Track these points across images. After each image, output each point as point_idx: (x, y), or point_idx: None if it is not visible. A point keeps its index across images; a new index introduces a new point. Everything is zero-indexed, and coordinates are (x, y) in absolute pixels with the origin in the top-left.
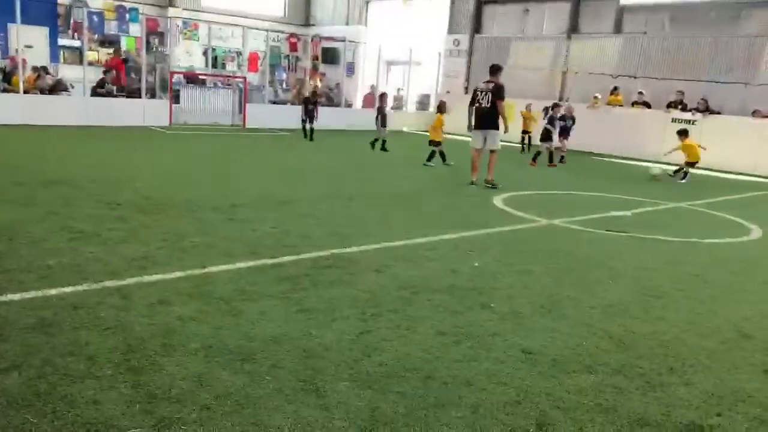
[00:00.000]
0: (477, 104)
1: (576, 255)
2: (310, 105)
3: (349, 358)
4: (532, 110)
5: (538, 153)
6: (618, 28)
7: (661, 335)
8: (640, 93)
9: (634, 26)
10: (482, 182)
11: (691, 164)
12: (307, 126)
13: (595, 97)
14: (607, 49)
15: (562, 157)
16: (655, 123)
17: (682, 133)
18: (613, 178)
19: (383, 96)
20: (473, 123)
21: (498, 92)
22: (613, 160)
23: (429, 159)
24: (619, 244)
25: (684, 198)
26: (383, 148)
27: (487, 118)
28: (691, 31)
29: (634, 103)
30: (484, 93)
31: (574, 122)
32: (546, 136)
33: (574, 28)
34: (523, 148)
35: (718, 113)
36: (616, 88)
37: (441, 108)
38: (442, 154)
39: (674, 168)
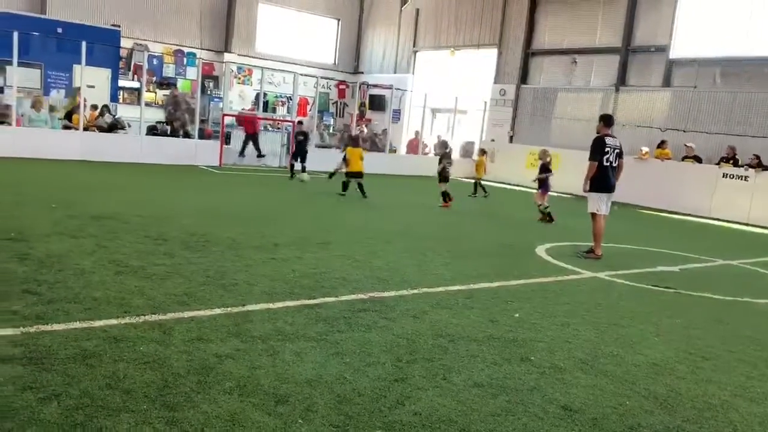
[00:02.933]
0: (607, 164)
1: (620, 310)
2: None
3: (382, 406)
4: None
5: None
6: (667, 82)
7: (710, 398)
8: (688, 146)
9: (683, 80)
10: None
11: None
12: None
13: (643, 150)
14: (656, 102)
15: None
16: (704, 178)
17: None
18: (659, 232)
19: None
20: (593, 184)
21: (622, 151)
22: (659, 213)
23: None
24: (666, 300)
25: (735, 256)
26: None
27: (613, 179)
28: (743, 86)
29: (684, 158)
30: (613, 149)
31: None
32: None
33: (622, 81)
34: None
35: None
36: (663, 142)
37: (483, 151)
38: (482, 187)
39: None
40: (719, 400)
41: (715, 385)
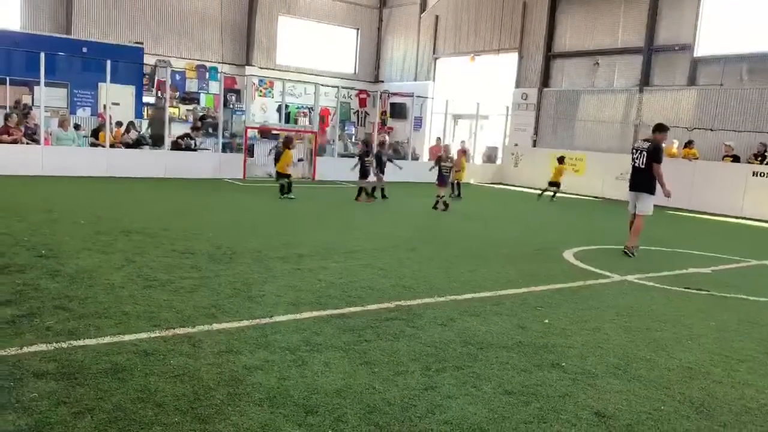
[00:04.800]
0: (632, 163)
1: (652, 313)
2: (384, 158)
3: (413, 415)
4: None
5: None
6: (692, 81)
7: (747, 402)
8: (727, 145)
9: (709, 78)
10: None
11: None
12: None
13: (671, 148)
14: (681, 101)
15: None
16: (734, 176)
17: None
18: (690, 233)
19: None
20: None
21: (655, 153)
22: (689, 214)
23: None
24: (699, 302)
25: (764, 255)
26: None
27: (639, 179)
28: None
29: (724, 157)
30: (638, 152)
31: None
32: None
33: (646, 81)
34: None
35: None
36: (690, 141)
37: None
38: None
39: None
40: (757, 403)
41: (752, 388)
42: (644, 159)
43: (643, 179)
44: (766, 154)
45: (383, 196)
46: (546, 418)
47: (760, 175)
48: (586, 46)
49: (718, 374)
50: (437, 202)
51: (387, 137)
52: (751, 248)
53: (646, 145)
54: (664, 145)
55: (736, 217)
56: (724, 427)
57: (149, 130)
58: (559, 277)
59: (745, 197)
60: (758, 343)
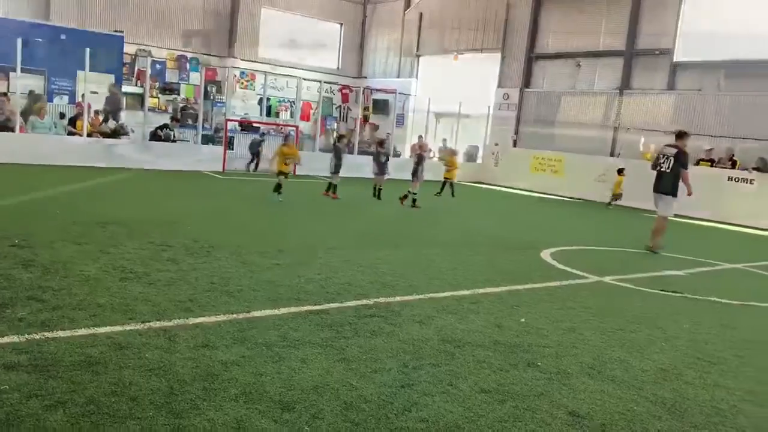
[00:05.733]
0: (658, 167)
1: (626, 314)
2: (382, 157)
3: (389, 412)
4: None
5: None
6: (671, 85)
7: (718, 403)
8: (707, 149)
9: (688, 83)
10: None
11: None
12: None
13: (645, 149)
14: (661, 105)
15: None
16: (709, 180)
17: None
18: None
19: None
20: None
21: (683, 159)
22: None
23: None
24: (673, 304)
25: (741, 259)
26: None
27: (663, 182)
28: (748, 89)
29: (699, 161)
30: (665, 157)
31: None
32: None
33: (626, 84)
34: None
35: None
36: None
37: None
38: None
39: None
40: (727, 404)
41: (723, 389)
42: (671, 163)
43: (668, 182)
44: (734, 159)
45: (378, 197)
46: (521, 417)
47: (735, 180)
48: (568, 48)
49: (690, 376)
50: (405, 196)
51: (374, 133)
52: (724, 252)
53: (674, 151)
54: (652, 148)
55: (710, 221)
56: (694, 427)
57: (105, 108)
58: (536, 277)
59: (719, 202)
60: (730, 346)
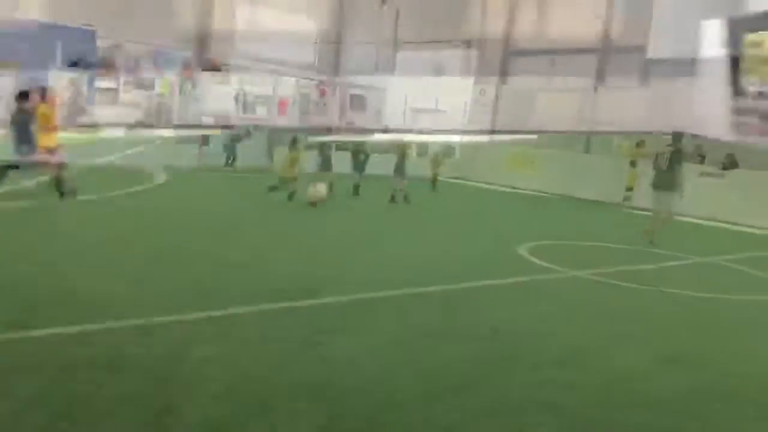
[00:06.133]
0: (658, 166)
1: (600, 308)
2: (361, 155)
3: (369, 407)
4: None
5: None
6: (645, 81)
7: (690, 394)
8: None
9: (660, 79)
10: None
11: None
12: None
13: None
14: (634, 101)
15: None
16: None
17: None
18: (638, 230)
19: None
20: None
21: (678, 157)
22: (640, 212)
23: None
24: (645, 298)
25: (710, 252)
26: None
27: (663, 179)
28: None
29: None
30: (663, 156)
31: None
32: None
33: (601, 80)
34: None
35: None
36: (642, 141)
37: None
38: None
39: None
40: (699, 395)
41: (694, 382)
42: (667, 163)
43: (666, 179)
44: (701, 154)
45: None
46: (495, 409)
47: (706, 175)
48: (544, 45)
49: (661, 369)
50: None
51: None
52: (694, 245)
53: (670, 150)
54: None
55: (682, 215)
56: (667, 418)
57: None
58: (511, 271)
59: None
60: (703, 339)
